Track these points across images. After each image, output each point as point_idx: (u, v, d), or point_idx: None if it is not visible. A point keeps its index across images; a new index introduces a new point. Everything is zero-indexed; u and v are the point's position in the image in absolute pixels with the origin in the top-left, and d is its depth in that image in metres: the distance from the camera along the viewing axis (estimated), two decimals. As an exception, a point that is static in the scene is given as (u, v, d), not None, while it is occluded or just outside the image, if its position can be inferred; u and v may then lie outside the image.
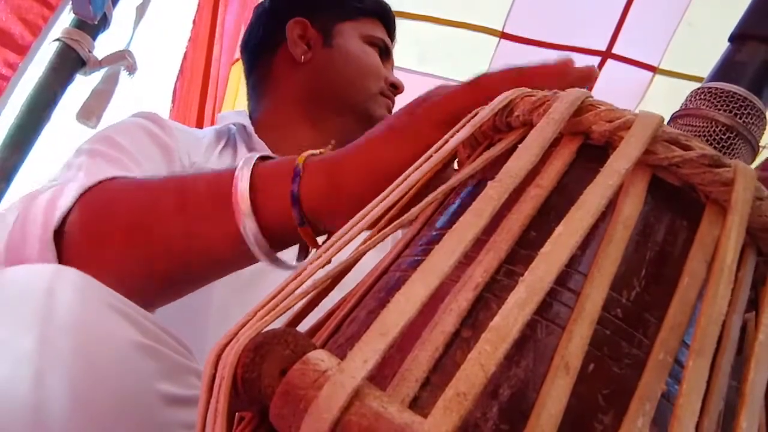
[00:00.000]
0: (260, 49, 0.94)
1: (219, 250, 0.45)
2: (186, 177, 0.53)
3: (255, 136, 0.83)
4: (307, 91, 0.88)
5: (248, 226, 0.43)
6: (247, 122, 0.85)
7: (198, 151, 0.79)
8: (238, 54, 1.48)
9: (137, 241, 0.47)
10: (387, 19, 0.95)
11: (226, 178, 0.46)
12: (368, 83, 0.87)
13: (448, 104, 0.41)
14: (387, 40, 0.93)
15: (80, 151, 0.66)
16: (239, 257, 0.46)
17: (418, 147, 0.39)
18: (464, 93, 0.40)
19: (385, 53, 0.92)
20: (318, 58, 0.88)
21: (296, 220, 0.43)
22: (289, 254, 0.47)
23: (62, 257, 0.47)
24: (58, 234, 0.47)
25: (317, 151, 0.45)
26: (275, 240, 0.44)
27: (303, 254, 0.49)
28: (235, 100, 1.50)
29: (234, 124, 0.86)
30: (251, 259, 0.46)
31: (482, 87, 0.40)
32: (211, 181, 0.47)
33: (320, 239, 0.46)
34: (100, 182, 0.51)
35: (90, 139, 0.70)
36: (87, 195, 0.50)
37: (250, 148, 0.83)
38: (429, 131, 0.40)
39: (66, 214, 0.48)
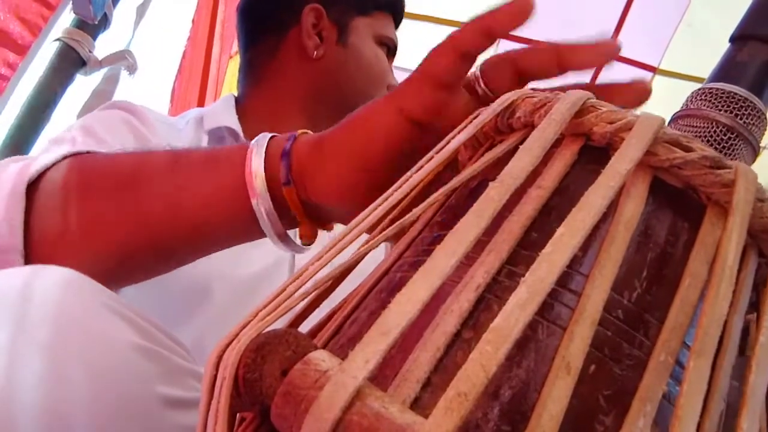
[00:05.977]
0: (268, 25, 0.89)
1: (208, 217, 0.45)
2: (178, 148, 0.53)
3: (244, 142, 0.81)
4: (312, 89, 0.85)
5: (261, 204, 0.43)
6: (237, 126, 0.82)
7: (178, 144, 0.76)
8: (235, 49, 1.48)
9: (125, 196, 0.46)
10: (398, 14, 0.93)
11: (222, 149, 0.47)
12: (375, 92, 0.85)
13: (424, 62, 0.42)
14: (396, 38, 0.92)
15: (59, 138, 0.65)
16: (229, 228, 0.46)
17: (399, 107, 0.41)
18: (436, 49, 0.42)
19: (392, 53, 0.91)
20: (330, 57, 0.86)
21: (282, 175, 0.43)
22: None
23: (31, 211, 0.46)
24: (30, 191, 0.47)
25: None
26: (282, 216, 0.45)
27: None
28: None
29: (227, 128, 0.82)
30: (242, 231, 0.46)
31: (451, 38, 0.41)
32: (205, 151, 0.48)
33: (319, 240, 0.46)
34: (88, 152, 0.51)
35: (70, 126, 0.68)
36: (70, 158, 0.49)
37: None
38: (409, 90, 0.42)
39: (42, 172, 0.48)
